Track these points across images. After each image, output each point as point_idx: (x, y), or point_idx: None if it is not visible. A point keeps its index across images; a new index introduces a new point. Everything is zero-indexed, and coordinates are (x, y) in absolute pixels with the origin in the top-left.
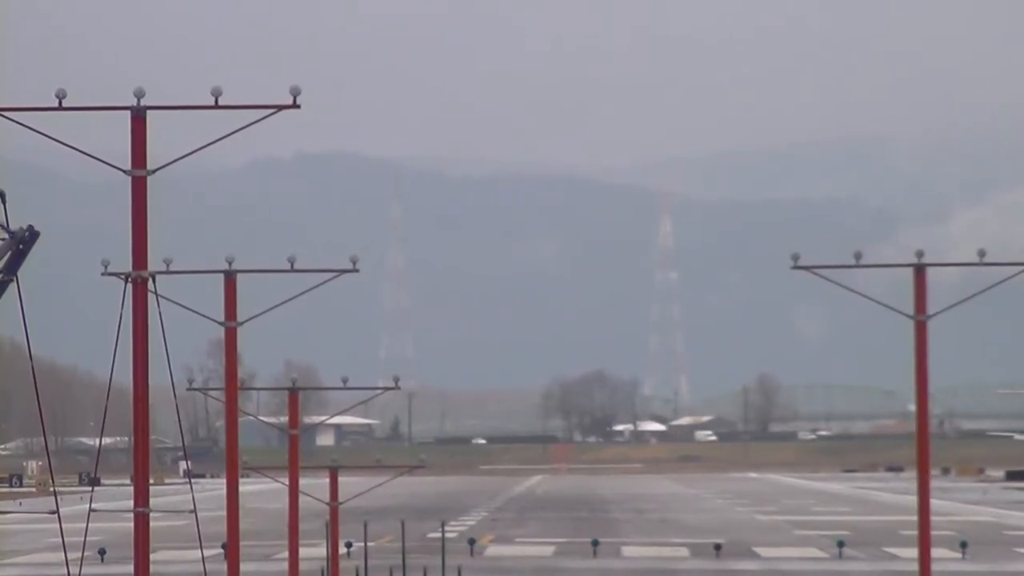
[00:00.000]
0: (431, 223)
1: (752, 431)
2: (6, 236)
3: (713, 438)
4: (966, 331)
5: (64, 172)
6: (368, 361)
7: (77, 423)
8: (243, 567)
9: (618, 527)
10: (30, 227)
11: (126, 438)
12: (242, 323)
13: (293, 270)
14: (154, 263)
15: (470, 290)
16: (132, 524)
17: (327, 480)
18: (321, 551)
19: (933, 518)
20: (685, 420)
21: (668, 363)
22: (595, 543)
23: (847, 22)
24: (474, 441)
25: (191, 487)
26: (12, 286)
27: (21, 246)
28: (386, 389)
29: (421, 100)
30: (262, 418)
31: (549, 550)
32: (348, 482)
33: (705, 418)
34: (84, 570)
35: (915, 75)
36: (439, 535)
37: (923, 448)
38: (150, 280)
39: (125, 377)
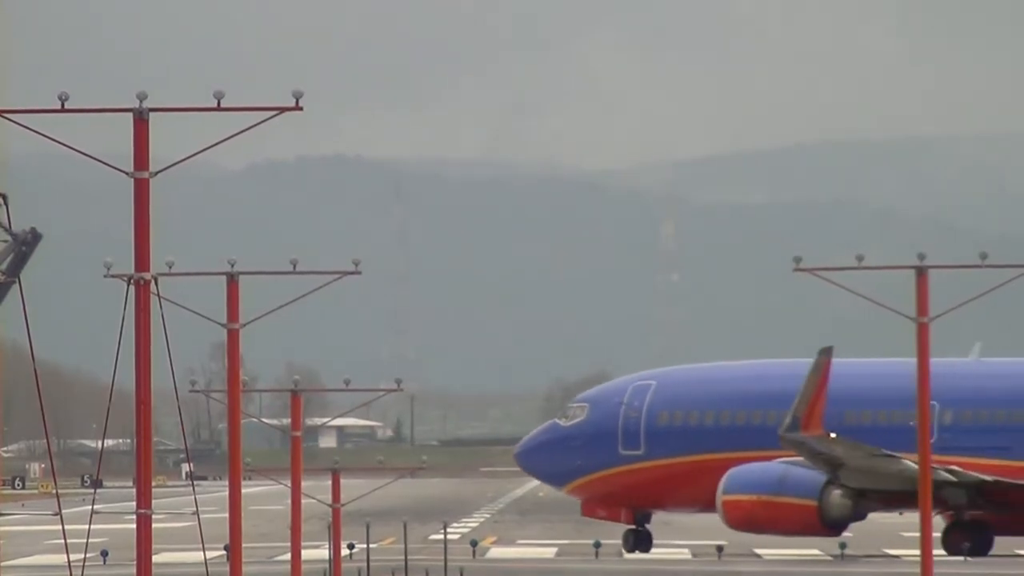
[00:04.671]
0: (433, 225)
1: None
2: (9, 238)
3: None
4: (967, 331)
5: (66, 174)
6: (370, 363)
7: (79, 425)
8: (245, 569)
9: (620, 529)
10: (32, 229)
11: (129, 440)
12: (244, 325)
13: (295, 272)
14: (156, 265)
15: (472, 292)
16: (134, 526)
17: (329, 482)
18: (323, 553)
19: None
20: None
21: (669, 365)
22: (597, 545)
23: (848, 22)
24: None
25: (193, 489)
26: (15, 287)
27: (24, 248)
28: (388, 391)
29: (422, 102)
30: (264, 420)
31: (551, 552)
32: (350, 484)
33: None
34: (86, 571)
35: (919, 76)
36: (441, 537)
37: (924, 450)
38: (152, 282)
39: (128, 379)
